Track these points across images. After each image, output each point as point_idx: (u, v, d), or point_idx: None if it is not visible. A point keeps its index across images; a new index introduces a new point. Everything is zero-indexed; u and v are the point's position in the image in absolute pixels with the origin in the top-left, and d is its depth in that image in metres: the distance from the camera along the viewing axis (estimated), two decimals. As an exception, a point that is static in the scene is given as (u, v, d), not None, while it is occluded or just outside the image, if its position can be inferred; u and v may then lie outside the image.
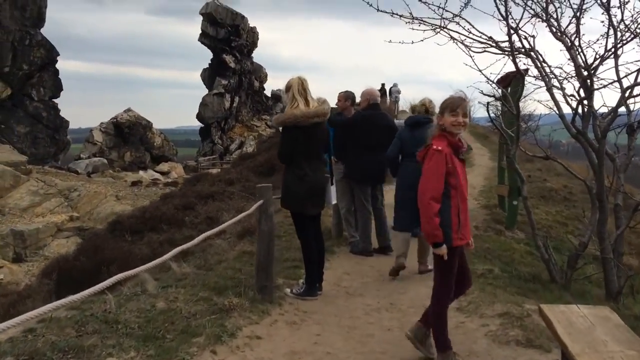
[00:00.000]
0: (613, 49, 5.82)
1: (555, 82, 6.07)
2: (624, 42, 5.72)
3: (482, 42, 6.30)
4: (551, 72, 6.15)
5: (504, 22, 6.07)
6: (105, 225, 14.56)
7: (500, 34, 6.26)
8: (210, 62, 56.62)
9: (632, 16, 5.81)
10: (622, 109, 5.98)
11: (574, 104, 5.87)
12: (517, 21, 6.01)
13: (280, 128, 4.86)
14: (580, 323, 2.82)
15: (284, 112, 4.79)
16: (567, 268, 5.65)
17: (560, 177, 14.08)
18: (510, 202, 8.40)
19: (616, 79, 5.88)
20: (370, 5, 6.13)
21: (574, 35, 5.94)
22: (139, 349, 3.53)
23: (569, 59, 6.04)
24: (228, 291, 4.67)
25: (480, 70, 6.24)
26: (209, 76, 55.60)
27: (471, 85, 9.49)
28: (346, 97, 6.82)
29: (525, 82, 6.53)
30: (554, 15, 6.07)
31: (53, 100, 43.14)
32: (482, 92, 6.95)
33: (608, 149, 5.87)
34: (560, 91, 6.03)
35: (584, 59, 5.86)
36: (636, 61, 5.82)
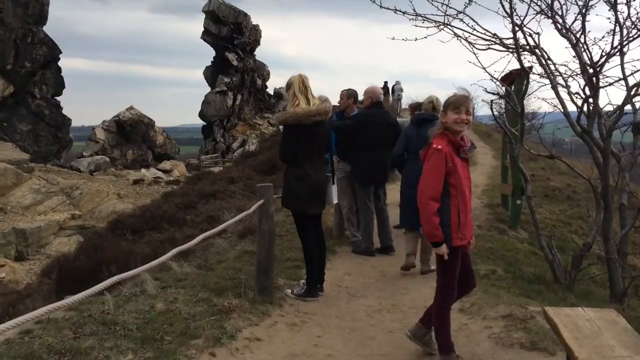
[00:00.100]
0: (619, 47, 5.74)
1: (560, 80, 6.00)
2: (630, 39, 5.63)
3: (486, 39, 6.23)
4: (556, 69, 6.07)
5: (509, 19, 6.00)
6: (106, 223, 14.53)
7: (505, 31, 6.19)
8: (212, 60, 56.59)
9: (637, 13, 5.73)
10: (628, 107, 5.90)
11: (579, 102, 5.80)
12: (521, 18, 5.94)
13: (281, 127, 4.80)
14: (586, 327, 2.76)
15: (286, 111, 4.73)
16: (572, 269, 5.57)
17: (563, 175, 14.00)
18: (514, 202, 8.33)
19: (622, 76, 5.81)
20: (373, 2, 6.06)
21: (580, 33, 5.86)
22: (137, 351, 3.48)
23: (574, 57, 5.96)
24: (228, 292, 4.61)
25: (484, 68, 6.17)
26: (212, 74, 55.55)
27: (475, 83, 9.37)
28: (348, 95, 6.75)
29: (530, 80, 6.44)
30: (559, 12, 5.99)
31: (55, 98, 43.16)
32: (485, 90, 6.87)
33: (613, 148, 5.79)
34: (565, 89, 5.96)
35: (589, 57, 5.78)
36: (643, 59, 5.75)
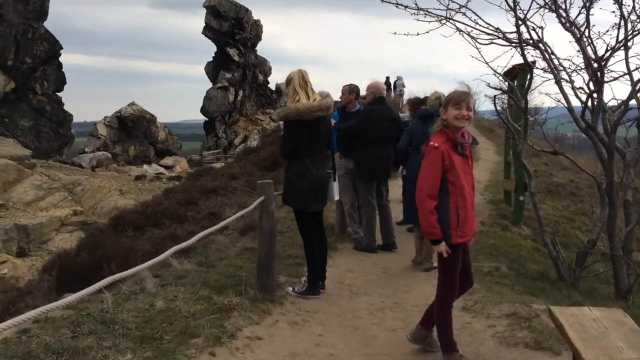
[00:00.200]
0: (624, 41, 5.66)
1: (564, 75, 5.93)
2: (636, 33, 5.55)
3: (489, 34, 6.16)
4: (560, 64, 6.00)
5: (512, 13, 5.92)
6: (107, 220, 14.51)
7: (508, 25, 6.13)
8: (214, 55, 56.49)
9: (643, 6, 5.64)
10: (632, 102, 5.83)
11: (584, 97, 5.72)
12: (524, 12, 5.86)
13: (282, 123, 4.74)
14: (593, 327, 2.70)
15: (287, 106, 4.67)
16: (576, 266, 5.51)
17: (566, 171, 13.93)
18: (517, 198, 8.27)
19: (626, 71, 5.74)
20: (374, -4, 5.99)
21: (584, 26, 5.78)
22: (136, 350, 3.44)
23: (578, 51, 5.89)
24: (228, 290, 4.57)
25: (487, 63, 6.11)
26: (213, 70, 55.48)
27: (477, 78, 9.33)
28: (350, 90, 6.68)
29: (533, 75, 6.38)
30: (563, 6, 5.92)
31: (57, 94, 43.13)
32: (488, 85, 6.81)
33: (618, 144, 5.72)
34: (569, 84, 5.88)
35: (594, 51, 5.70)
36: (647, 53, 5.67)
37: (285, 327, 4.15)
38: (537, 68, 6.35)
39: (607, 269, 5.88)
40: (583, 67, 5.84)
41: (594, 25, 5.75)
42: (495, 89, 7.32)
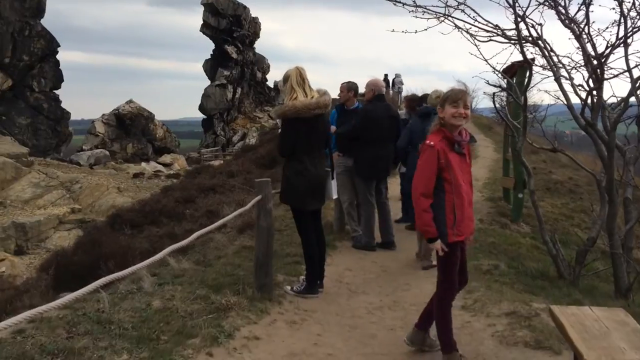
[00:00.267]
0: (623, 38, 5.62)
1: (563, 72, 5.89)
2: (636, 30, 5.52)
3: (487, 31, 6.11)
4: (559, 61, 5.96)
5: (511, 9, 5.88)
6: (105, 218, 14.46)
7: (506, 22, 6.09)
8: (212, 53, 56.33)
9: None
10: (632, 100, 5.79)
11: (583, 95, 5.68)
12: (523, 9, 5.82)
13: (279, 121, 4.70)
14: (594, 327, 2.67)
15: (284, 104, 4.63)
16: (576, 264, 5.48)
17: (565, 168, 13.91)
18: (516, 195, 8.24)
19: (626, 68, 5.70)
20: (372, -7, 5.95)
21: (583, 23, 5.74)
22: (132, 351, 3.40)
23: (577, 48, 5.85)
24: (226, 289, 4.53)
25: (486, 60, 6.06)
26: (211, 67, 55.31)
27: (476, 75, 9.26)
28: (349, 88, 6.64)
29: (533, 72, 6.33)
30: (562, 3, 5.87)
31: (54, 91, 42.97)
32: (487, 82, 6.78)
33: (618, 141, 5.69)
34: (568, 81, 5.84)
35: (593, 48, 5.66)
36: (648, 50, 5.63)
37: (284, 327, 4.12)
38: (536, 65, 6.31)
39: (607, 267, 5.85)
40: (582, 64, 5.81)
41: (593, 22, 5.72)
42: (495, 86, 7.28)
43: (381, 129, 6.32)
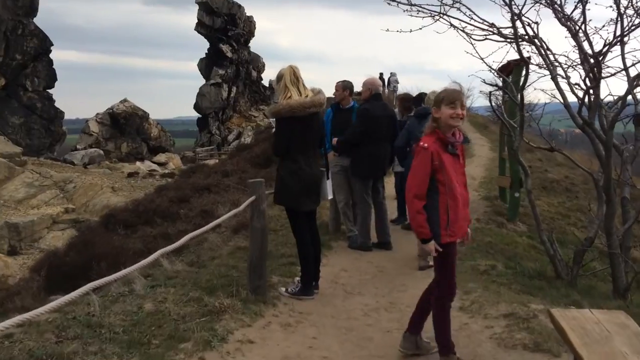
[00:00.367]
0: (620, 37, 5.57)
1: (560, 71, 5.84)
2: (633, 28, 5.47)
3: (483, 30, 6.06)
4: (555, 59, 5.91)
5: (507, 8, 5.83)
6: (99, 218, 14.35)
7: (502, 21, 6.03)
8: (207, 51, 56.18)
9: (639, 1, 5.56)
10: (629, 98, 5.75)
11: (580, 94, 5.64)
12: (519, 7, 5.77)
13: (273, 120, 4.63)
14: (595, 331, 2.61)
15: (279, 103, 4.56)
16: (573, 264, 5.44)
17: (561, 167, 13.90)
18: (512, 194, 8.20)
19: (623, 67, 5.66)
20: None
21: (580, 21, 5.69)
22: (122, 355, 3.33)
23: (574, 46, 5.80)
24: (220, 291, 4.46)
25: (482, 59, 6.01)
26: (206, 66, 55.17)
27: (472, 74, 9.22)
28: (344, 87, 6.57)
29: (530, 71, 6.28)
30: (558, 1, 5.83)
31: (47, 90, 42.75)
32: (484, 81, 6.73)
33: (615, 140, 5.65)
34: (565, 80, 5.80)
35: (590, 46, 5.62)
36: (644, 48, 5.60)
37: (278, 330, 4.05)
38: (532, 64, 6.26)
39: (604, 266, 5.81)
40: (579, 62, 5.76)
41: (590, 20, 5.67)
42: (491, 85, 7.23)
43: (379, 128, 6.27)
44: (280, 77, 4.54)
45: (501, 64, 6.65)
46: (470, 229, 3.61)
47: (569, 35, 5.80)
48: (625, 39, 5.57)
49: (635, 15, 5.56)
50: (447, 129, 3.30)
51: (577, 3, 5.73)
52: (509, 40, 6.04)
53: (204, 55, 56.34)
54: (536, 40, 5.89)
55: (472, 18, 5.98)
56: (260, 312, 4.24)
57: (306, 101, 4.45)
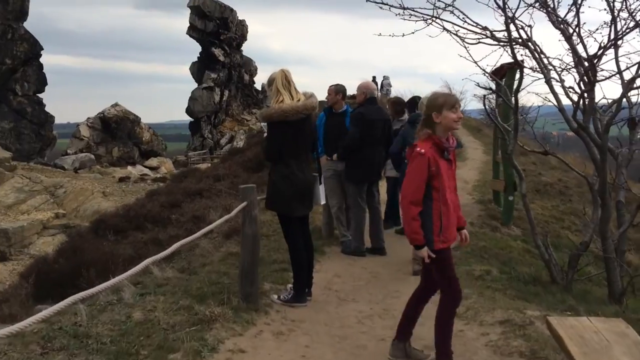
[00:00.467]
0: (614, 40, 5.55)
1: (553, 74, 5.80)
2: (627, 31, 5.45)
3: (477, 33, 6.03)
4: (549, 63, 5.88)
5: (500, 11, 5.79)
6: (89, 223, 14.17)
7: (495, 24, 5.99)
8: (199, 55, 56.01)
9: (632, 3, 5.54)
10: (623, 102, 5.72)
11: (574, 97, 5.61)
12: (513, 11, 5.74)
13: (264, 124, 4.56)
14: (594, 340, 2.55)
15: (270, 107, 4.48)
16: (568, 269, 5.39)
17: (555, 170, 13.89)
18: (506, 198, 8.15)
19: (617, 70, 5.63)
20: (358, -5, 5.83)
21: (574, 24, 5.66)
22: (110, 367, 3.23)
23: (568, 49, 5.78)
24: (210, 299, 4.36)
25: (475, 62, 5.97)
26: (198, 70, 55.00)
27: (466, 77, 9.18)
28: (337, 90, 6.50)
29: (524, 74, 6.25)
30: (551, 4, 5.80)
31: (37, 95, 42.42)
32: (478, 85, 6.69)
33: (610, 144, 5.62)
34: (559, 83, 5.76)
35: (584, 49, 5.59)
36: (638, 52, 5.57)
37: (270, 338, 3.96)
38: (526, 67, 6.23)
39: (600, 271, 5.77)
40: (573, 66, 5.73)
41: (584, 23, 5.65)
42: (485, 88, 7.19)
43: (374, 131, 6.22)
44: (271, 81, 4.47)
45: (494, 68, 6.62)
46: (466, 231, 3.57)
47: (563, 38, 5.78)
48: (620, 42, 5.56)
49: (629, 18, 5.55)
50: (444, 134, 3.27)
51: (571, 6, 5.72)
52: (502, 43, 6.01)
53: (196, 59, 56.18)
54: (530, 44, 5.86)
55: (465, 21, 5.95)
56: (252, 321, 4.15)
57: (298, 105, 4.38)
